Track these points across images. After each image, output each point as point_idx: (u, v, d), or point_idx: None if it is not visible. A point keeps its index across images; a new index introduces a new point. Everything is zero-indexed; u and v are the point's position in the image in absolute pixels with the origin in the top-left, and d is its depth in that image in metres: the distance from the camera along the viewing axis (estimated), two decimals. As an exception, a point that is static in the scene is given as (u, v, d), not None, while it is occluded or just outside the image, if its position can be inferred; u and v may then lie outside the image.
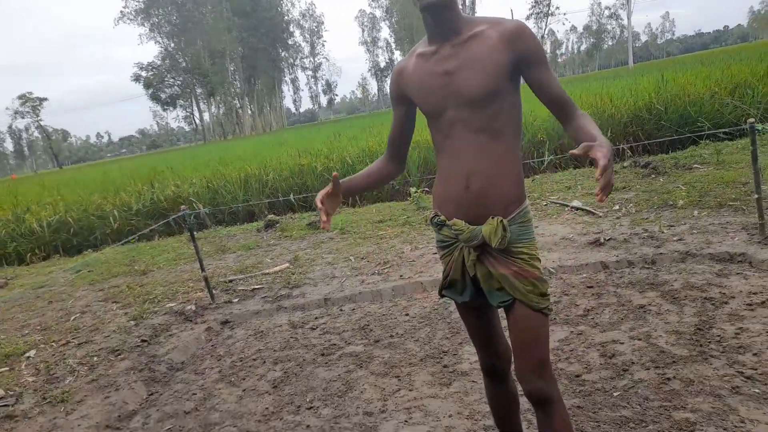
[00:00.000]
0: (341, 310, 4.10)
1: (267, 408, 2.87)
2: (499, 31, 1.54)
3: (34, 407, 3.17)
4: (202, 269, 4.70)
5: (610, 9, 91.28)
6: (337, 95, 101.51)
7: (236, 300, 4.66)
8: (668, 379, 2.52)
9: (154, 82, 59.11)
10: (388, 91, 1.80)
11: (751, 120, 3.77)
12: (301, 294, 4.54)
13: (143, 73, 59.02)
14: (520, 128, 1.67)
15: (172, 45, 60.33)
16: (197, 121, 66.56)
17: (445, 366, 3.00)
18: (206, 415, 2.91)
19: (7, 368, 3.75)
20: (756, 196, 3.88)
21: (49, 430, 2.91)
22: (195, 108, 65.06)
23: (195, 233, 4.76)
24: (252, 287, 4.91)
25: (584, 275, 3.92)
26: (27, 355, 3.96)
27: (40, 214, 9.39)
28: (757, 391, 2.32)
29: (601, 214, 5.31)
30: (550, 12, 48.62)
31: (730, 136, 7.58)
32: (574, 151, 1.34)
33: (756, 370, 2.47)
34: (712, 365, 2.57)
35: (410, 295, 4.15)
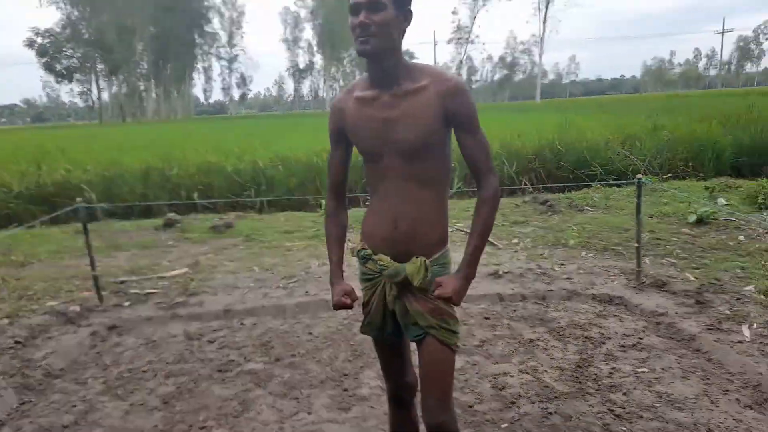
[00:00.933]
0: (242, 323, 4.00)
1: (156, 426, 2.73)
2: (437, 88, 1.62)
3: None
4: (93, 267, 4.38)
5: (524, 44, 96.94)
6: (251, 90, 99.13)
7: (127, 304, 4.39)
8: (550, 413, 2.72)
9: (50, 51, 54.21)
10: (329, 128, 1.83)
11: (639, 175, 4.18)
12: (199, 303, 4.36)
13: (39, 40, 53.98)
14: (449, 177, 1.79)
15: (76, 13, 55.77)
16: (94, 99, 61.89)
17: (345, 390, 3.02)
18: (87, 430, 2.70)
19: None
20: (636, 245, 4.30)
21: None
22: (94, 84, 60.47)
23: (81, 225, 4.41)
24: (146, 291, 4.64)
25: (482, 306, 4.12)
26: None
27: None
28: (623, 429, 2.56)
29: (501, 246, 5.62)
30: (470, 40, 50.98)
31: (618, 184, 8.33)
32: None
33: (624, 409, 2.72)
34: (588, 402, 2.80)
35: (314, 313, 4.14)
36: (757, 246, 5.09)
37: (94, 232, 6.87)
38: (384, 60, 1.61)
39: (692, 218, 6.09)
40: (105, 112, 60.18)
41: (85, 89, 62.91)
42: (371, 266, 1.79)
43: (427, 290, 1.72)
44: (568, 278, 4.54)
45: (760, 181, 7.27)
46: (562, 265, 4.90)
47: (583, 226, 6.17)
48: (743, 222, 5.99)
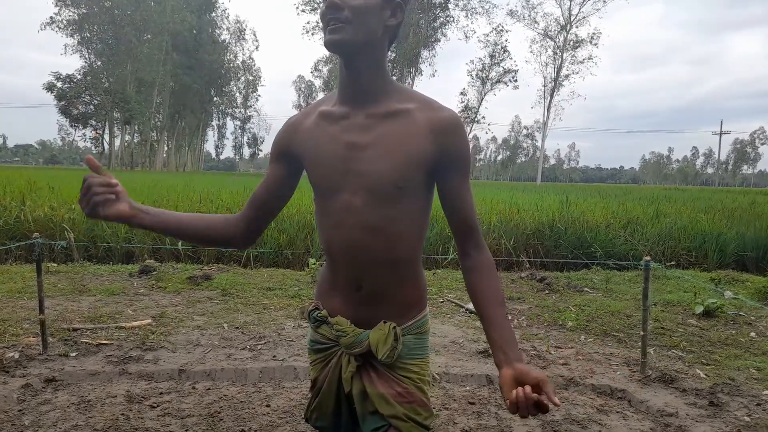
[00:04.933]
0: (194, 387, 3.53)
1: None
2: (429, 117, 1.24)
3: None
4: (41, 310, 3.97)
5: (528, 129, 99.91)
6: (261, 150, 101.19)
7: (74, 354, 3.94)
8: None
9: (68, 96, 55.45)
10: (272, 146, 1.41)
11: (647, 258, 3.84)
12: (154, 359, 3.91)
13: (59, 84, 55.35)
14: (426, 231, 1.38)
15: (99, 63, 57.53)
16: (106, 145, 62.76)
17: (295, 479, 2.55)
18: None
19: None
20: (642, 333, 3.89)
21: None
22: (107, 131, 61.47)
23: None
24: (98, 341, 4.20)
25: (468, 388, 3.66)
26: None
27: None
28: None
29: (493, 323, 5.19)
30: (476, 120, 52.08)
31: (619, 267, 7.98)
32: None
33: None
34: None
35: (278, 382, 3.68)
36: (772, 345, 4.66)
37: (64, 273, 6.51)
38: (359, 60, 1.22)
39: (699, 309, 5.68)
40: (115, 160, 60.79)
41: (99, 135, 63.86)
42: (325, 332, 1.38)
43: (396, 367, 1.32)
44: (565, 364, 4.09)
45: (770, 276, 6.91)
46: (559, 348, 4.46)
47: (582, 308, 5.76)
48: (753, 318, 5.59)
